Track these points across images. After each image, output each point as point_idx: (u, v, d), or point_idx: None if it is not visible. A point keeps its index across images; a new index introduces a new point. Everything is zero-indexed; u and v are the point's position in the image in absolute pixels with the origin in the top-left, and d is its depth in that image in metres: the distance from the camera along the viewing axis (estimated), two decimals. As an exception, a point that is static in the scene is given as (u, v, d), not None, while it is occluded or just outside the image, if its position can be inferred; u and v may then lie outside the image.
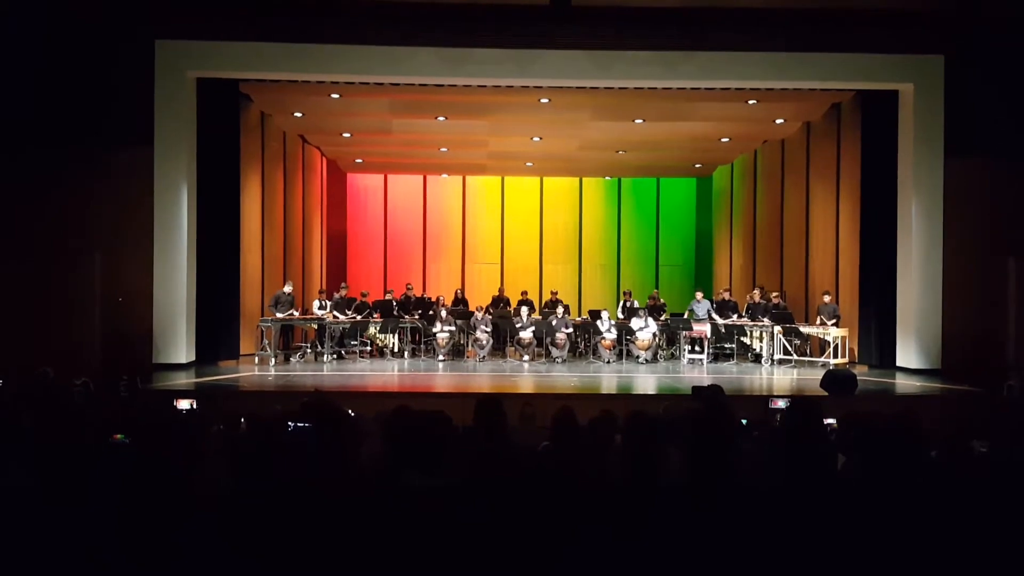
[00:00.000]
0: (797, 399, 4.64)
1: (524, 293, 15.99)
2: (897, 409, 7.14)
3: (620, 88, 12.24)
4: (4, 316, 10.64)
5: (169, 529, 2.52)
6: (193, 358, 11.51)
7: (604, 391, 10.36)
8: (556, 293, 15.76)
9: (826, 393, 8.98)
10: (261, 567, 2.49)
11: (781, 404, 4.69)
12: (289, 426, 3.52)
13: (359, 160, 18.20)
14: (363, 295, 14.08)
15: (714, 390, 5.08)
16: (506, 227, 20.00)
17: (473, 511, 2.59)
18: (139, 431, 3.32)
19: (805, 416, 3.48)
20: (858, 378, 9.64)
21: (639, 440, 3.08)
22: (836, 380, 9.11)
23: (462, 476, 2.87)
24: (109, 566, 2.50)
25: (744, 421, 4.89)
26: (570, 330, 13.38)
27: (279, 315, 12.60)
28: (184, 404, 4.70)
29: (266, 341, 12.38)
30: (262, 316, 13.00)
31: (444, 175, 19.79)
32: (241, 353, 12.65)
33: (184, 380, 10.42)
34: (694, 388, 5.15)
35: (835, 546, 2.72)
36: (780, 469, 3.36)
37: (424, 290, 17.63)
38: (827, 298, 12.69)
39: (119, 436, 3.61)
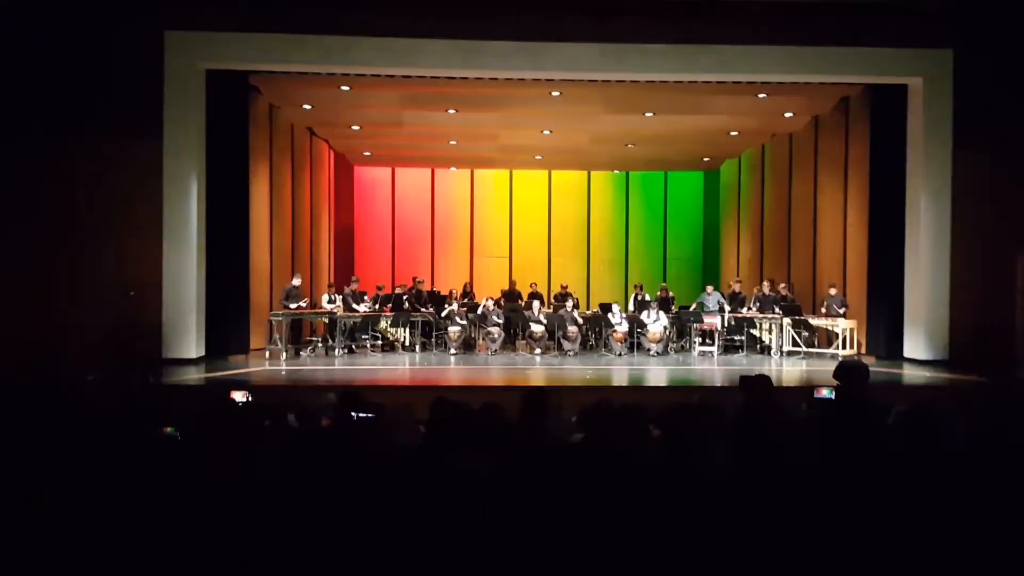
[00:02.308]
0: (848, 391, 4.63)
1: (533, 286, 16.02)
2: (915, 399, 7.17)
3: (631, 81, 12.24)
4: (15, 310, 10.64)
5: (228, 520, 2.53)
6: (203, 353, 11.52)
7: (628, 383, 10.39)
8: (566, 287, 15.78)
9: (839, 383, 8.97)
10: (322, 551, 2.51)
11: (827, 393, 4.67)
12: (353, 416, 3.54)
13: (367, 153, 18.18)
14: (379, 288, 14.11)
15: (763, 381, 5.08)
16: (514, 221, 20.00)
17: (521, 498, 2.61)
18: (194, 424, 3.32)
19: (857, 405, 3.49)
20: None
21: (682, 432, 3.08)
22: (849, 370, 9.08)
23: (509, 464, 2.88)
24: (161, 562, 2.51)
25: (805, 406, 4.90)
26: (581, 323, 13.40)
27: (292, 307, 12.59)
28: (239, 396, 4.68)
29: (277, 335, 12.38)
30: (271, 310, 12.99)
31: (452, 168, 19.78)
32: (251, 347, 12.63)
33: (196, 375, 10.44)
34: (742, 378, 5.14)
35: (887, 536, 2.73)
36: (831, 458, 3.37)
37: (433, 284, 17.63)
38: (833, 291, 12.71)
39: (169, 429, 3.62)
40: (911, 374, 10.86)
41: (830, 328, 12.60)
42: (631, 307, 14.48)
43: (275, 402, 4.51)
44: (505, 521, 2.57)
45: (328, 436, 3.06)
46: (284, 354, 12.18)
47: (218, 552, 2.49)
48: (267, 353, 12.34)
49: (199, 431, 3.20)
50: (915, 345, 11.83)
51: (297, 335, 13.25)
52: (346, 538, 2.50)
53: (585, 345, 13.74)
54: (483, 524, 2.52)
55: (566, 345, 13.09)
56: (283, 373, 10.91)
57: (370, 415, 3.51)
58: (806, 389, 8.90)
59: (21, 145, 10.94)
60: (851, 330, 12.35)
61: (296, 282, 13.04)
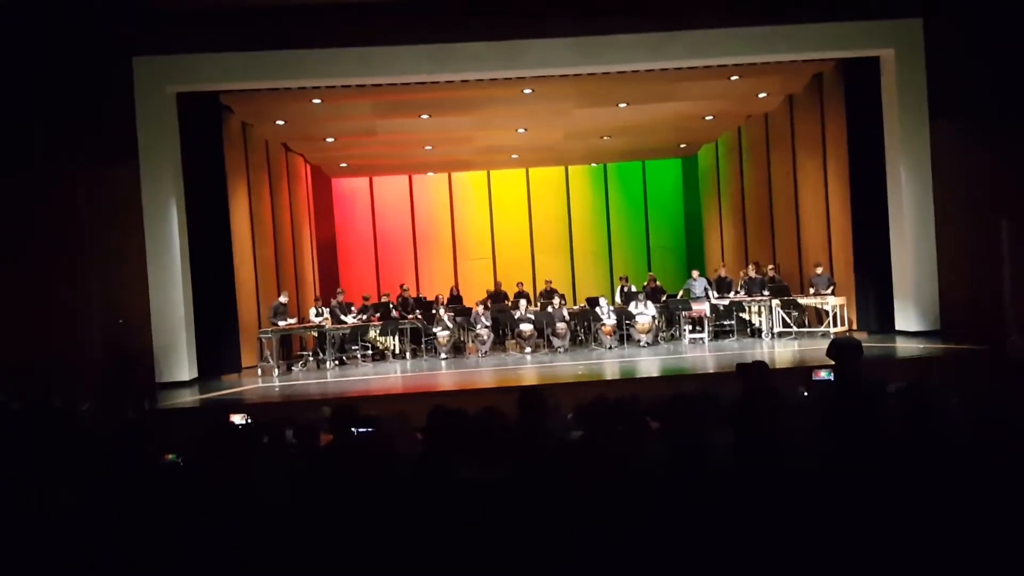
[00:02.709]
0: (843, 369, 4.62)
1: (520, 285, 16.00)
2: (910, 373, 7.18)
3: (603, 73, 12.21)
4: (10, 334, 10.53)
5: (239, 542, 2.50)
6: (196, 374, 11.44)
7: (621, 376, 10.38)
8: (550, 282, 15.77)
9: (833, 362, 8.99)
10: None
11: (825, 375, 4.66)
12: (353, 432, 3.50)
13: (344, 164, 18.10)
14: (365, 299, 14.08)
15: (759, 367, 5.06)
16: (495, 221, 19.98)
17: (524, 502, 2.58)
18: (195, 449, 3.28)
19: (864, 386, 3.47)
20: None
21: (680, 424, 3.05)
22: (842, 348, 9.11)
23: (511, 469, 2.85)
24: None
25: (806, 392, 4.89)
26: (569, 318, 13.38)
27: (280, 324, 12.54)
28: (238, 419, 4.65)
29: (267, 352, 12.33)
30: (260, 328, 12.93)
31: (430, 173, 19.72)
32: (243, 366, 12.55)
33: (190, 397, 10.37)
34: (738, 365, 5.12)
35: (891, 527, 2.71)
36: (832, 442, 3.35)
37: (418, 290, 17.58)
38: (819, 269, 12.76)
39: (170, 456, 3.58)
40: (904, 347, 10.90)
41: (820, 307, 12.63)
42: (618, 299, 14.47)
43: (272, 419, 4.48)
44: (510, 528, 2.54)
45: (329, 454, 3.02)
46: (276, 370, 12.14)
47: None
48: (259, 371, 12.28)
49: (201, 457, 3.16)
50: (906, 317, 11.88)
51: (288, 351, 13.20)
52: (354, 556, 2.47)
53: (575, 340, 13.72)
54: (488, 532, 2.49)
55: (556, 342, 13.07)
56: (277, 389, 10.87)
57: (369, 429, 3.48)
58: (802, 370, 8.91)
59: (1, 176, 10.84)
60: (841, 307, 12.39)
61: (283, 299, 13.00)
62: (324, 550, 2.52)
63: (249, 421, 4.71)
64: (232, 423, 4.62)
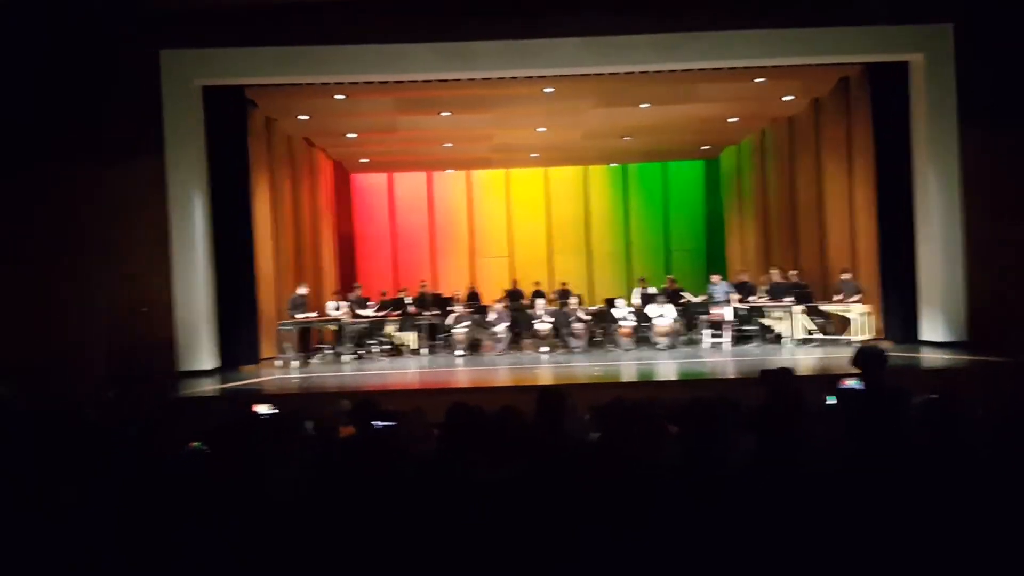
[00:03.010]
0: (868, 378, 4.56)
1: (537, 284, 15.98)
2: (937, 384, 7.08)
3: (625, 73, 12.14)
4: (28, 330, 10.65)
5: (257, 533, 2.49)
6: (217, 364, 11.52)
7: (639, 379, 10.31)
8: (565, 284, 15.72)
9: (858, 371, 8.89)
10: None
11: (852, 383, 4.59)
12: (374, 425, 3.49)
13: (364, 160, 18.15)
14: (382, 294, 14.12)
15: (784, 373, 5.00)
16: (513, 220, 19.95)
17: (541, 501, 2.55)
18: (219, 438, 3.27)
19: (888, 395, 3.42)
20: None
21: (701, 429, 3.01)
22: (867, 356, 9.01)
23: (528, 468, 2.82)
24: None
25: (831, 400, 4.83)
26: (586, 319, 13.32)
27: (298, 317, 12.60)
28: (263, 409, 4.65)
29: (286, 344, 12.39)
30: (279, 320, 12.98)
31: (449, 171, 19.72)
32: (261, 357, 12.60)
33: (211, 386, 10.42)
34: (762, 372, 5.06)
35: (915, 530, 2.67)
36: (858, 451, 3.29)
37: (435, 287, 17.59)
38: (846, 275, 12.59)
39: (195, 444, 3.58)
40: (930, 357, 10.70)
41: (844, 314, 12.47)
42: (636, 301, 14.39)
43: (292, 410, 4.48)
44: (527, 527, 2.51)
45: (351, 447, 3.00)
46: (294, 362, 12.18)
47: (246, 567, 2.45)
48: (278, 362, 12.33)
49: (226, 445, 3.16)
50: (932, 327, 11.67)
51: (306, 343, 13.25)
52: (375, 550, 2.45)
53: (591, 341, 13.66)
54: (505, 531, 2.46)
55: (572, 342, 13.01)
56: (295, 381, 10.92)
57: (391, 423, 3.47)
58: (824, 378, 8.81)
59: (25, 168, 10.96)
60: (866, 315, 12.21)
61: (302, 291, 13.04)
62: (343, 544, 2.50)
63: (274, 411, 4.71)
64: (256, 413, 4.63)
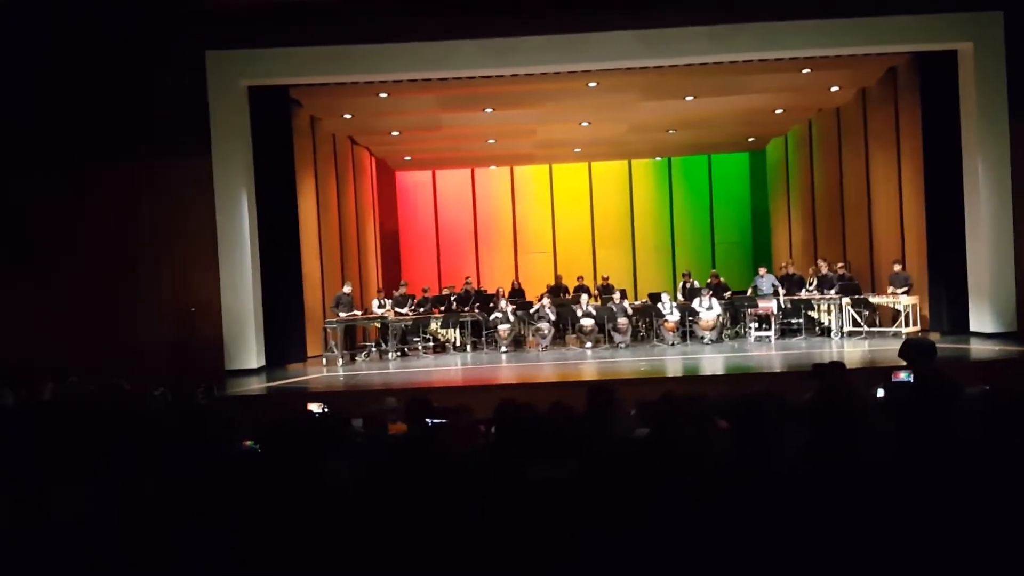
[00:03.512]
0: (917, 370, 4.49)
1: (580, 279, 15.93)
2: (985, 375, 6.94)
3: (670, 66, 12.06)
4: (79, 329, 10.95)
5: (309, 531, 2.53)
6: (264, 363, 11.69)
7: (685, 373, 10.23)
8: (607, 278, 15.66)
9: (905, 363, 8.75)
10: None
11: (904, 376, 4.53)
12: (428, 422, 3.53)
13: (408, 158, 18.28)
14: (424, 291, 14.20)
15: (837, 367, 4.96)
16: (556, 215, 19.93)
17: (598, 501, 2.56)
18: (273, 437, 3.34)
19: (942, 388, 3.37)
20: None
21: (752, 423, 2.99)
22: (915, 349, 8.85)
23: (580, 465, 2.83)
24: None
25: (881, 393, 4.77)
26: (630, 314, 13.26)
27: (342, 315, 12.74)
28: (316, 408, 4.74)
29: (332, 342, 12.53)
30: (325, 318, 13.14)
31: (492, 167, 19.77)
32: (308, 355, 12.77)
33: (258, 385, 10.60)
34: (814, 366, 5.02)
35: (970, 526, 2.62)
36: (910, 445, 3.25)
37: (479, 283, 17.65)
38: (897, 267, 12.37)
39: (249, 443, 3.66)
40: (979, 348, 10.55)
41: (892, 306, 12.28)
42: (680, 295, 14.29)
43: (341, 408, 4.55)
44: (585, 526, 2.51)
45: (405, 444, 3.04)
46: (340, 360, 12.32)
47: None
48: (324, 360, 12.48)
49: (279, 444, 3.22)
50: (981, 318, 11.49)
51: (351, 341, 13.39)
52: (430, 547, 2.48)
53: (636, 336, 13.60)
54: (563, 531, 2.47)
55: (617, 337, 12.97)
56: (341, 379, 11.04)
57: (443, 420, 3.51)
58: (873, 371, 8.69)
59: (76, 169, 11.26)
60: (913, 307, 12.01)
61: (347, 289, 13.18)
62: (399, 540, 2.53)
63: (326, 410, 4.79)
64: (310, 411, 4.71)
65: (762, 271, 13.82)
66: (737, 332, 13.52)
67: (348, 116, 14.19)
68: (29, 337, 10.90)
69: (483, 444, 3.52)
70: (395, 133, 15.66)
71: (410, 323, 13.42)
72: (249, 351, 11.51)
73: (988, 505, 2.78)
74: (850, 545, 2.62)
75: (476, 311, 13.94)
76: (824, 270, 13.32)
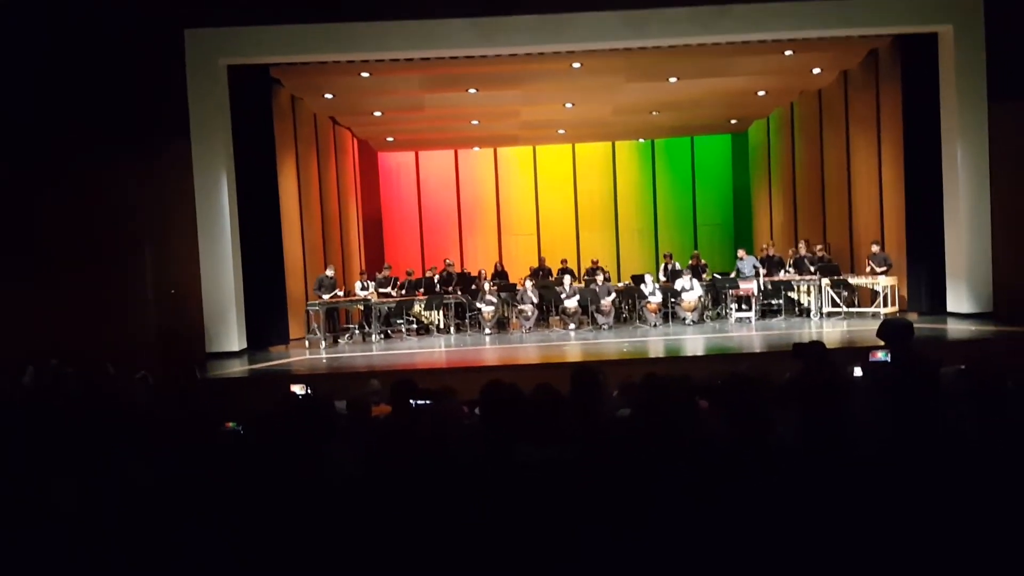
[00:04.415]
0: (895, 350, 4.54)
1: (564, 262, 15.96)
2: (963, 355, 7.03)
3: (654, 48, 12.04)
4: (58, 314, 10.83)
5: (302, 515, 2.54)
6: (245, 345, 11.64)
7: (667, 354, 10.27)
8: (596, 261, 15.69)
9: (883, 343, 8.85)
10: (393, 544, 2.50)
11: (882, 356, 4.58)
12: (412, 404, 3.54)
13: (390, 139, 18.17)
14: (408, 274, 14.16)
15: (818, 347, 5.00)
16: (540, 197, 19.92)
17: (590, 482, 2.57)
18: (255, 418, 3.34)
19: (920, 367, 3.40)
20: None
21: (740, 403, 3.01)
22: (893, 328, 8.95)
23: (572, 447, 2.84)
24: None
25: (858, 372, 4.82)
26: (613, 296, 13.31)
27: (325, 297, 12.70)
28: (299, 389, 4.73)
29: (315, 325, 12.51)
30: (307, 300, 13.10)
31: (476, 148, 19.71)
32: (290, 338, 12.73)
33: (240, 367, 10.57)
34: (795, 345, 5.06)
35: (958, 505, 2.66)
36: (892, 426, 3.29)
37: (463, 265, 17.63)
38: (876, 248, 12.50)
39: (231, 424, 3.65)
40: (956, 328, 10.70)
41: (870, 287, 12.42)
42: (662, 277, 14.36)
43: (325, 390, 4.54)
44: (576, 508, 2.52)
45: (391, 426, 3.04)
46: (323, 343, 12.30)
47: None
48: (307, 343, 12.46)
49: (263, 426, 3.21)
50: (958, 299, 11.64)
51: (334, 323, 13.36)
52: (422, 529, 2.49)
53: (619, 318, 13.67)
54: (554, 513, 2.48)
55: (600, 319, 13.02)
56: (324, 361, 11.02)
57: (427, 402, 3.51)
58: (851, 351, 8.79)
59: (50, 152, 11.07)
60: (892, 287, 12.16)
61: (329, 272, 13.14)
62: (388, 523, 2.53)
63: (309, 391, 4.78)
64: (293, 393, 4.70)
65: (741, 253, 13.90)
66: (718, 313, 13.63)
67: (329, 96, 14.07)
68: (7, 323, 10.78)
69: (468, 425, 3.53)
70: (377, 113, 15.55)
71: (393, 305, 13.41)
72: (231, 334, 11.45)
73: (967, 480, 2.82)
74: (837, 523, 2.64)
75: (460, 294, 13.94)
76: (802, 252, 13.43)
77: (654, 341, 11.47)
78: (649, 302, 13.01)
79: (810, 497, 2.62)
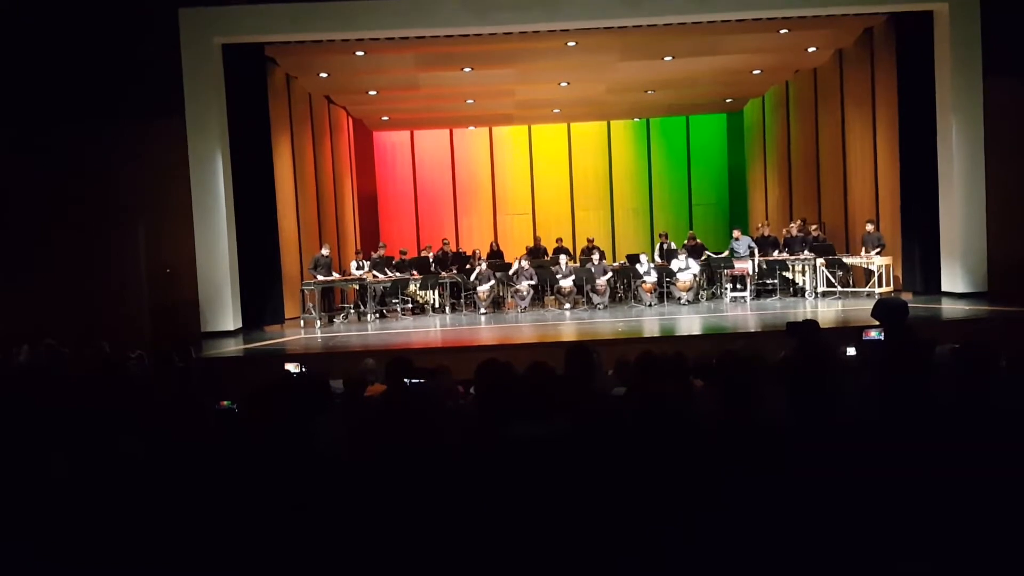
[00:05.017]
0: (889, 329, 4.58)
1: (559, 241, 15.96)
2: (956, 334, 7.08)
3: (649, 26, 12.00)
4: (53, 293, 10.83)
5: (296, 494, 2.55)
6: (240, 325, 11.65)
7: (662, 334, 10.27)
8: (592, 240, 15.69)
9: (877, 322, 8.89)
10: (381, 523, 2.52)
11: (875, 335, 4.61)
12: (407, 382, 3.56)
13: (385, 118, 18.10)
14: (402, 253, 14.15)
15: (811, 326, 5.03)
16: (535, 176, 19.87)
17: (584, 458, 2.59)
18: (250, 397, 3.35)
19: (914, 347, 3.43)
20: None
21: (733, 381, 3.04)
22: (887, 308, 8.99)
23: (564, 424, 2.87)
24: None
25: (851, 351, 4.86)
26: (609, 275, 13.33)
27: (320, 277, 12.70)
28: (293, 368, 4.74)
29: (310, 304, 12.51)
30: (302, 280, 13.09)
31: (471, 127, 19.63)
32: (285, 317, 12.74)
33: (235, 346, 10.58)
34: (789, 324, 5.10)
35: (948, 482, 2.69)
36: (886, 403, 3.31)
37: (458, 245, 17.62)
38: (870, 227, 12.51)
39: (226, 403, 3.67)
40: (951, 308, 10.73)
41: (865, 266, 12.45)
42: (657, 257, 14.38)
43: (320, 369, 4.56)
44: (574, 486, 2.54)
45: (386, 404, 3.05)
46: (318, 322, 12.31)
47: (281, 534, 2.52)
48: (302, 322, 12.48)
49: (258, 404, 3.23)
50: (952, 278, 11.68)
51: (329, 303, 13.36)
52: (418, 506, 2.51)
53: (614, 297, 13.69)
54: (551, 490, 2.49)
55: (595, 298, 13.05)
56: (319, 341, 11.04)
57: (423, 381, 3.53)
58: (846, 330, 8.83)
59: (46, 130, 11.04)
60: (887, 267, 12.19)
61: (324, 251, 13.12)
62: (382, 501, 2.55)
63: (304, 370, 4.79)
64: (287, 371, 4.72)
65: (736, 233, 13.90)
66: (713, 293, 13.66)
67: (324, 75, 14.00)
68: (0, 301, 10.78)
69: (463, 403, 3.56)
70: (372, 92, 15.48)
71: (388, 285, 13.41)
72: (226, 313, 11.46)
73: (959, 458, 2.85)
74: (838, 503, 2.66)
75: (455, 273, 13.94)
76: (795, 231, 13.45)
77: (649, 320, 11.49)
78: (644, 282, 13.03)
79: (801, 477, 2.65)
